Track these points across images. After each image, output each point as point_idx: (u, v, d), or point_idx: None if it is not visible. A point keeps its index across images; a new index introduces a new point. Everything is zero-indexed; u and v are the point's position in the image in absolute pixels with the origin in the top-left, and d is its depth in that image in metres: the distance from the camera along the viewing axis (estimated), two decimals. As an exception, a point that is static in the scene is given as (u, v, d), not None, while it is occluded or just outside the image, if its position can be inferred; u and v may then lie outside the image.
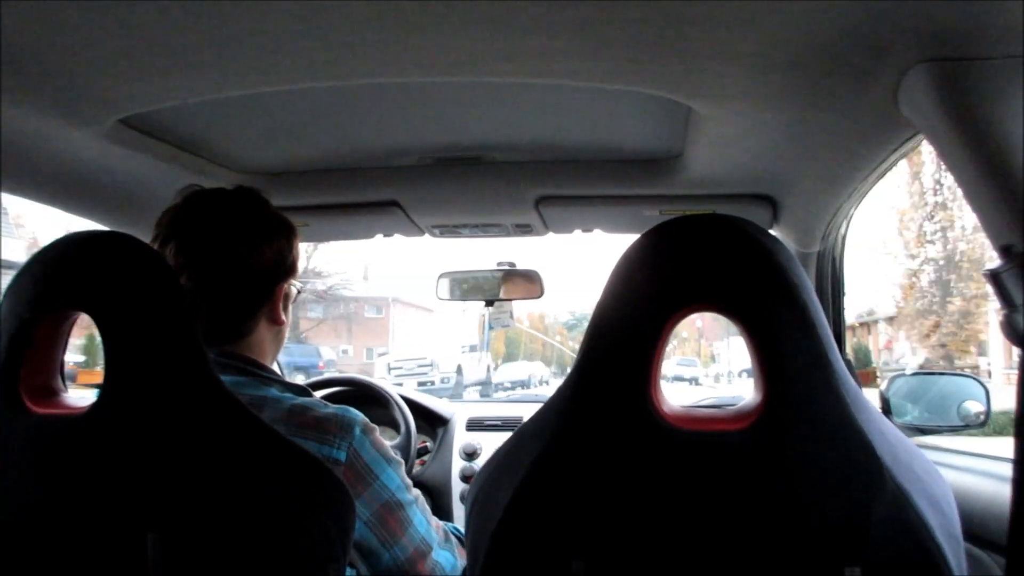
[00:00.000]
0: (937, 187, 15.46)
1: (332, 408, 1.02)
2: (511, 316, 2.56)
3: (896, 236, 16.30)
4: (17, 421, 0.81)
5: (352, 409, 1.04)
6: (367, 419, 1.05)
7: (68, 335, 0.87)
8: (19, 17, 0.82)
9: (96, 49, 0.91)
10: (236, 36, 0.88)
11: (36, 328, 0.83)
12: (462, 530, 1.10)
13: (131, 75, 0.99)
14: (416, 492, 1.11)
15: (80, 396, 0.87)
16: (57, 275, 0.83)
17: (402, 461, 1.09)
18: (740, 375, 23.33)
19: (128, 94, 1.05)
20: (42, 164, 1.28)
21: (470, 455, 2.14)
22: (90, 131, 1.17)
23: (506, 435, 0.84)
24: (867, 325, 19.58)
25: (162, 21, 0.84)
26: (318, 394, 1.38)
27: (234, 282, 1.05)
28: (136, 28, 0.86)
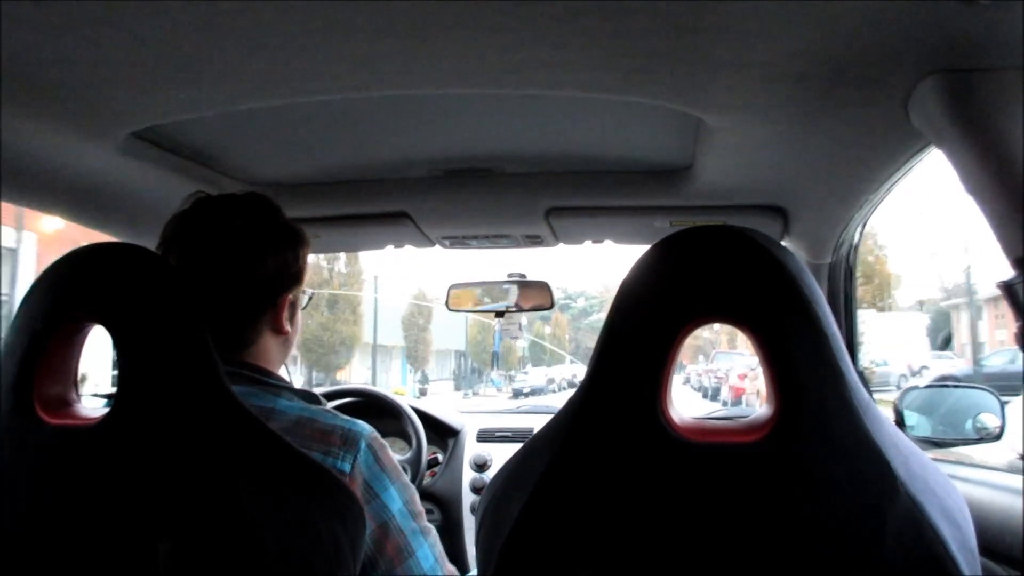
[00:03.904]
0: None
1: (340, 420, 1.00)
2: (520, 328, 2.56)
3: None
4: (31, 432, 0.82)
5: (360, 422, 1.02)
6: (377, 434, 1.03)
7: (82, 346, 0.88)
8: (34, 32, 0.83)
9: (110, 63, 0.92)
10: (250, 49, 0.89)
11: (49, 339, 0.83)
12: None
13: (145, 88, 1.00)
14: (429, 526, 1.05)
15: (93, 407, 0.87)
16: (70, 286, 0.84)
17: (412, 486, 1.05)
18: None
19: (142, 107, 1.07)
20: (56, 177, 1.29)
21: (480, 466, 2.14)
22: (104, 144, 1.18)
23: (516, 446, 0.84)
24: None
25: (175, 35, 0.85)
26: (329, 404, 1.38)
27: (235, 290, 1.03)
28: (150, 42, 0.87)
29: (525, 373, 30.49)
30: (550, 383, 26.23)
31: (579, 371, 25.94)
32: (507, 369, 34.25)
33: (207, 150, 1.42)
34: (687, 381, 27.40)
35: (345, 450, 0.98)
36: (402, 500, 1.02)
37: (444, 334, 29.11)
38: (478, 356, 33.83)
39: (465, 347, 32.59)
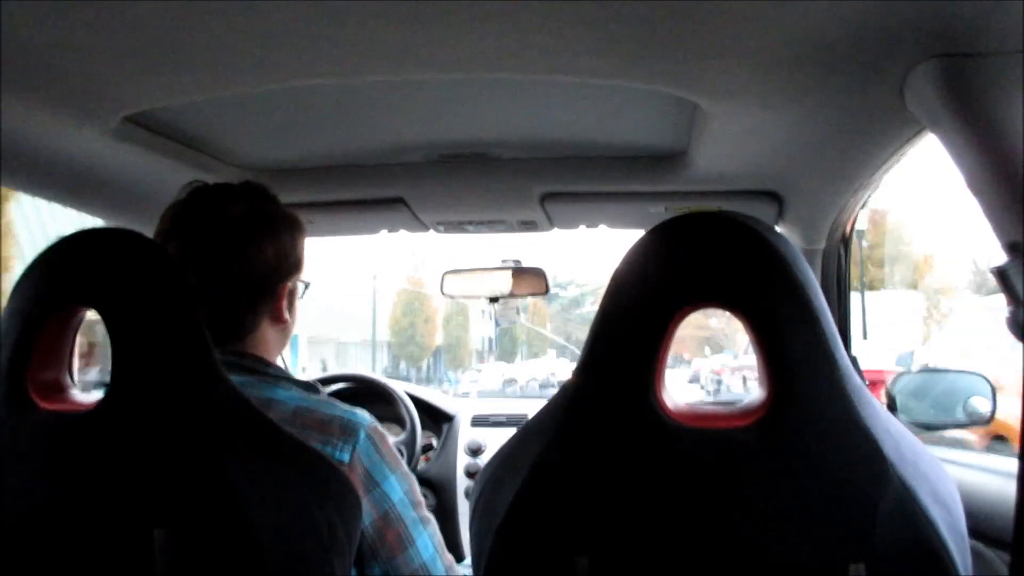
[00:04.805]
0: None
1: (339, 410, 1.00)
2: (518, 312, 2.57)
3: None
4: (25, 417, 0.82)
5: (360, 412, 1.02)
6: (377, 424, 1.03)
7: (76, 332, 0.88)
8: (27, 15, 0.83)
9: (104, 47, 0.91)
10: (243, 33, 0.89)
11: (44, 324, 0.83)
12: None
13: (139, 72, 0.99)
14: (429, 515, 1.06)
15: (88, 392, 0.87)
16: (64, 271, 0.83)
17: (412, 475, 1.05)
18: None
19: (136, 91, 1.06)
20: (49, 161, 1.28)
21: (475, 451, 2.15)
22: (97, 128, 1.17)
23: (511, 431, 0.84)
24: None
25: (170, 18, 0.84)
26: (325, 391, 1.38)
27: (235, 279, 1.02)
28: (144, 26, 0.86)
29: (478, 371, 24.28)
30: (508, 385, 18.50)
31: (561, 369, 21.90)
32: (455, 366, 27.80)
33: (201, 135, 1.42)
34: (695, 380, 21.67)
35: (344, 440, 0.97)
36: (403, 489, 1.02)
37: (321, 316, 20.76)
38: (403, 348, 26.92)
39: (371, 335, 25.13)
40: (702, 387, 19.49)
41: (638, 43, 0.89)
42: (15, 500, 0.81)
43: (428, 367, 28.90)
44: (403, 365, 27.27)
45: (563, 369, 21.88)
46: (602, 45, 0.91)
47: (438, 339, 28.70)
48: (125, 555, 0.77)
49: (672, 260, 0.73)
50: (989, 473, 1.20)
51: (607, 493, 0.72)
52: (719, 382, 17.44)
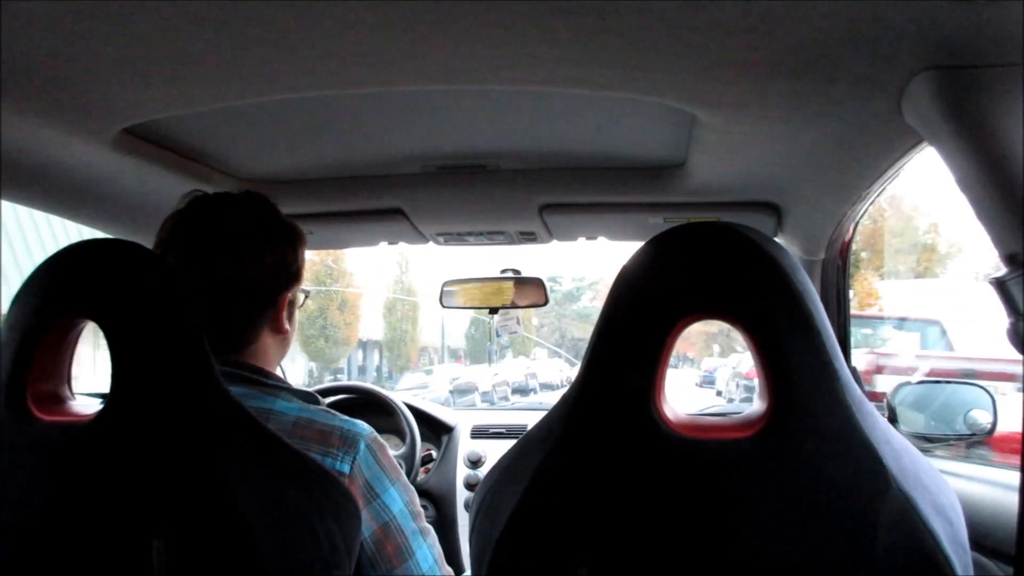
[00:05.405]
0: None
1: (339, 421, 1.00)
2: (518, 323, 2.56)
3: None
4: (24, 428, 0.82)
5: (360, 423, 1.02)
6: (376, 435, 1.02)
7: (75, 344, 0.88)
8: (26, 28, 0.83)
9: (102, 59, 0.91)
10: (242, 45, 0.89)
11: (42, 336, 0.83)
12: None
13: (137, 85, 0.99)
14: (428, 527, 1.06)
15: (87, 404, 0.87)
16: (63, 283, 0.83)
17: (411, 486, 1.05)
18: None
19: (134, 103, 1.06)
20: (48, 173, 1.29)
21: (474, 463, 2.15)
22: (96, 140, 1.18)
23: (510, 443, 0.84)
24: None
25: (168, 31, 0.85)
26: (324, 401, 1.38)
27: (234, 290, 1.02)
28: (142, 38, 0.87)
29: (427, 373, 19.82)
30: (462, 394, 14.42)
31: (544, 369, 19.64)
32: (400, 369, 22.13)
33: (200, 146, 1.42)
34: (707, 383, 18.37)
35: (344, 451, 0.97)
36: (403, 501, 1.02)
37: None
38: (308, 344, 19.81)
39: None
40: (720, 393, 16.19)
41: (636, 55, 0.90)
42: (14, 511, 0.81)
43: (380, 371, 22.70)
44: (348, 366, 21.04)
45: (548, 370, 19.55)
46: (600, 57, 0.91)
47: (373, 333, 22.35)
48: (124, 566, 0.77)
49: (671, 270, 0.73)
50: (990, 485, 1.20)
51: (607, 504, 0.71)
52: (751, 389, 14.36)
